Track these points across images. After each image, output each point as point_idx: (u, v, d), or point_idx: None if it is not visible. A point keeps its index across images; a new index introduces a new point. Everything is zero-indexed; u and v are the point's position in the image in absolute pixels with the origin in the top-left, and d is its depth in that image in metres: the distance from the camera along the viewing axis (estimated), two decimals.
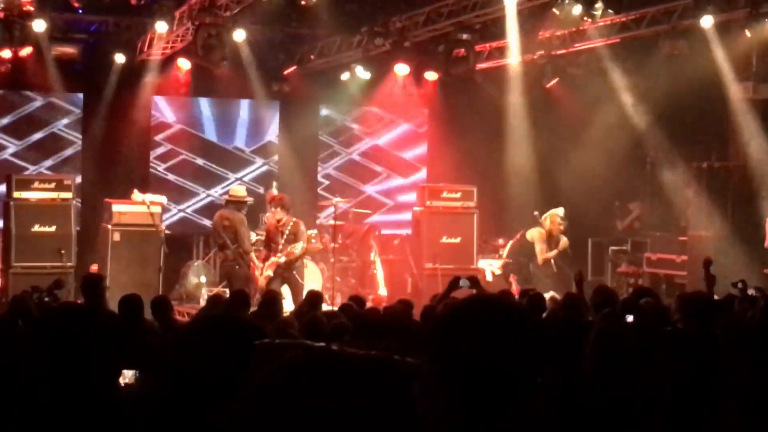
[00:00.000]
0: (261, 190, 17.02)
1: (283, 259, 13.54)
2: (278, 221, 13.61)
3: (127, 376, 5.78)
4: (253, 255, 13.75)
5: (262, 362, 1.49)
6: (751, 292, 9.08)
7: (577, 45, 15.77)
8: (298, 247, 13.48)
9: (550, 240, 14.88)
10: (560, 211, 14.99)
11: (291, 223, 13.61)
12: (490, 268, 16.16)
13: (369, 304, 10.43)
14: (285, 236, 13.61)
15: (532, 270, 15.05)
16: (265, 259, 13.70)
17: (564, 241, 14.96)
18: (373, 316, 7.63)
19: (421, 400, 1.43)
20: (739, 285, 9.13)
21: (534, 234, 14.94)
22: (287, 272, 13.70)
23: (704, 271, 9.34)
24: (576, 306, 8.13)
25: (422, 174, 19.06)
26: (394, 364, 1.46)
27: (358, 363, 1.44)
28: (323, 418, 1.36)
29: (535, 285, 13.16)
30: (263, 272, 13.58)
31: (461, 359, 1.91)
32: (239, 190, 14.32)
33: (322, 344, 1.58)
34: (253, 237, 14.38)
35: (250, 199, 14.35)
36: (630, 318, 6.82)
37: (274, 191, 15.28)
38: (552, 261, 15.18)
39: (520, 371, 1.98)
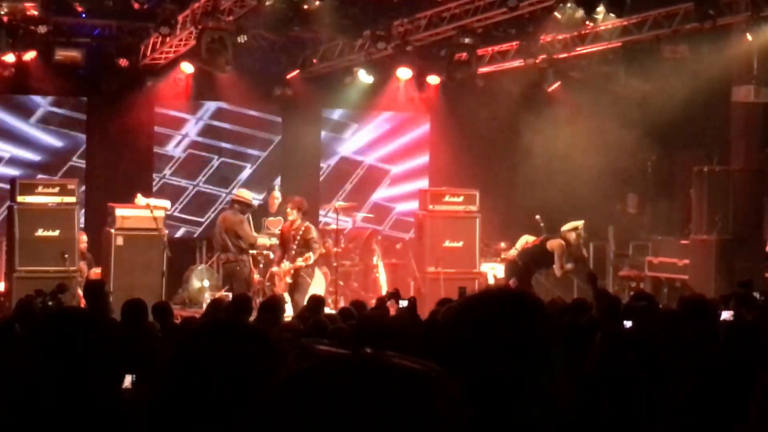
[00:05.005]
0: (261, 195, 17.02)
1: (288, 266, 13.62)
2: (291, 223, 13.67)
3: (126, 380, 5.78)
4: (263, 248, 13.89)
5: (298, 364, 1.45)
6: (755, 294, 9.10)
7: (578, 49, 15.78)
8: (311, 259, 13.61)
9: (569, 252, 14.69)
10: (581, 223, 14.91)
11: (303, 228, 13.68)
12: (492, 272, 16.16)
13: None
14: (296, 241, 13.66)
15: (537, 278, 14.97)
16: (279, 261, 13.73)
17: (583, 252, 15.07)
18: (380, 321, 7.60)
19: (444, 415, 1.40)
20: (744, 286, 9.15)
21: (555, 245, 14.63)
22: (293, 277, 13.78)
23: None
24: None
25: (424, 178, 19.03)
26: (435, 376, 1.41)
27: (401, 373, 1.40)
28: (353, 426, 1.35)
29: (538, 293, 13.08)
30: (282, 279, 13.62)
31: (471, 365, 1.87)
32: (246, 193, 14.35)
33: (368, 350, 1.53)
34: (262, 240, 14.38)
35: (256, 201, 14.37)
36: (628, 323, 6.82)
37: (276, 194, 15.28)
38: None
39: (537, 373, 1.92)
